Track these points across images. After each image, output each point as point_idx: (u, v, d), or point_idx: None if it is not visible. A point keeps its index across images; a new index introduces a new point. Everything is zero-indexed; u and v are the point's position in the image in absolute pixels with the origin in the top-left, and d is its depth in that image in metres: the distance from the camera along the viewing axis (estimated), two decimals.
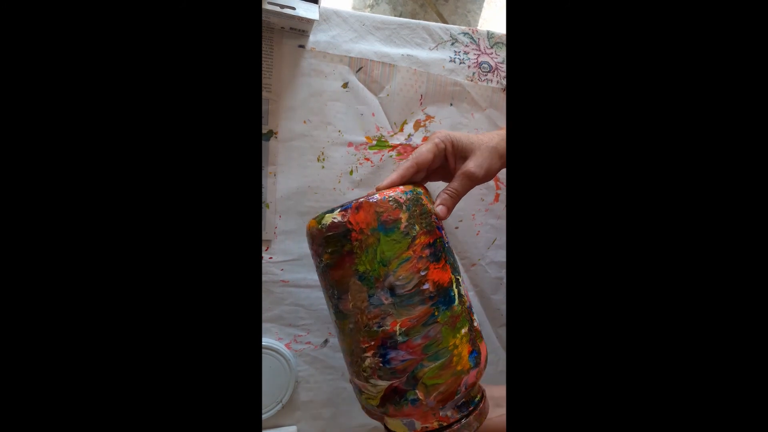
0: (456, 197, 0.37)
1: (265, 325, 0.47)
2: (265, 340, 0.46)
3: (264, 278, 0.46)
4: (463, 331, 0.34)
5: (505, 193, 0.54)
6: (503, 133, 0.39)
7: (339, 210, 0.32)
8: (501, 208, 0.54)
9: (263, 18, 0.41)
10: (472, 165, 0.37)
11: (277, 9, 0.40)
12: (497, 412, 0.37)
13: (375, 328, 0.32)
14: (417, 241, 0.33)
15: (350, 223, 0.32)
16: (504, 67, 0.53)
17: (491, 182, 0.54)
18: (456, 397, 0.33)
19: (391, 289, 0.32)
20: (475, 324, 0.36)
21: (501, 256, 0.55)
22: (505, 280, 0.55)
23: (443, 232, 0.37)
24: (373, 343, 0.32)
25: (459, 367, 0.32)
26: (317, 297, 0.48)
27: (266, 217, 0.46)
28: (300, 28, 0.44)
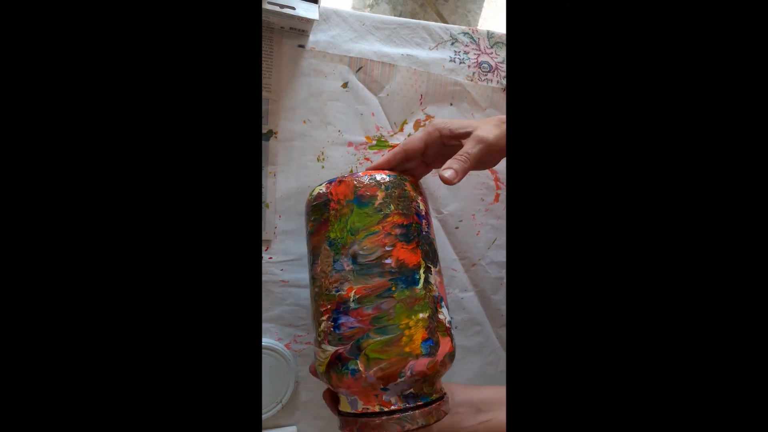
0: (467, 161, 0.35)
1: (265, 325, 0.47)
2: (265, 340, 0.46)
3: (264, 278, 0.46)
4: (421, 315, 0.33)
5: (505, 193, 0.54)
6: (499, 122, 0.39)
7: (326, 183, 0.36)
8: (501, 208, 0.54)
9: (263, 18, 0.41)
10: (480, 132, 0.36)
11: (277, 9, 0.40)
12: (478, 418, 0.34)
13: (333, 292, 0.34)
14: (389, 219, 0.34)
15: (330, 194, 0.35)
16: (504, 67, 0.53)
17: (491, 182, 0.54)
18: (399, 381, 0.32)
19: (354, 257, 0.33)
20: (442, 318, 0.35)
21: (501, 256, 0.55)
22: (505, 280, 0.55)
23: (425, 222, 0.37)
24: (329, 306, 0.34)
25: (407, 349, 0.32)
26: None
27: (266, 217, 0.46)
28: (300, 28, 0.44)
